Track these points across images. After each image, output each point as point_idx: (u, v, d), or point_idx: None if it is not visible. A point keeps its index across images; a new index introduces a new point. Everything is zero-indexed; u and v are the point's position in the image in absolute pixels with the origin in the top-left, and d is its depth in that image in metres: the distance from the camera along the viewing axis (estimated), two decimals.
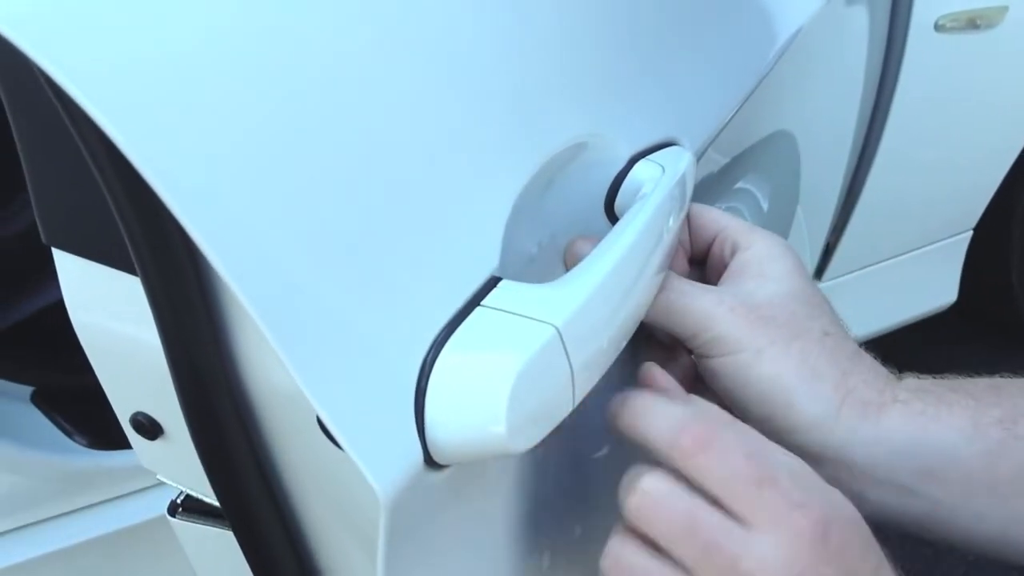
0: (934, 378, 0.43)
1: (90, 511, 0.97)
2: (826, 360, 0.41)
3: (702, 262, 0.48)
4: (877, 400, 0.41)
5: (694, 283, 0.43)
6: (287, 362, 0.28)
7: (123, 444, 0.94)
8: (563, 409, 0.35)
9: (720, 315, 0.41)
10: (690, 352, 0.46)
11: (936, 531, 0.42)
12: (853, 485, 0.41)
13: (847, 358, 0.42)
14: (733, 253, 0.45)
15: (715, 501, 0.35)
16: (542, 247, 0.40)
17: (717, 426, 0.36)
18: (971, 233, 1.52)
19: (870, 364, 0.43)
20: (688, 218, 0.47)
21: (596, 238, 0.39)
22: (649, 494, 0.35)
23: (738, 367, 0.41)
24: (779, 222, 0.90)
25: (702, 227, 0.47)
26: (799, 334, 0.42)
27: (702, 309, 0.42)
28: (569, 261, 0.42)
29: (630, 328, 0.40)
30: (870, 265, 1.42)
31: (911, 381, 0.43)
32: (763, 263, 0.43)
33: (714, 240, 0.46)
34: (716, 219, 0.46)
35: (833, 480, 0.41)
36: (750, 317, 0.41)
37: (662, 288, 0.42)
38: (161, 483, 0.46)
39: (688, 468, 0.35)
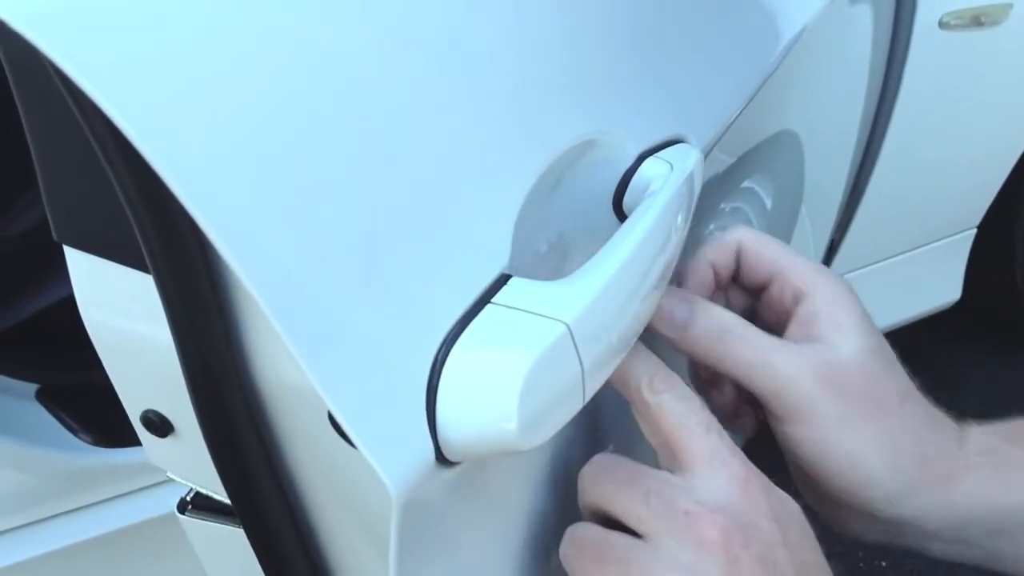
0: (997, 423, 0.44)
1: (95, 509, 0.98)
2: (905, 432, 0.41)
3: (747, 289, 0.47)
4: (951, 470, 0.42)
5: (772, 338, 0.42)
6: (299, 359, 0.28)
7: (128, 441, 0.95)
8: (574, 406, 0.35)
9: (802, 382, 0.41)
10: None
11: (996, 570, 0.43)
12: (920, 540, 0.43)
13: (923, 425, 0.42)
14: (796, 300, 0.43)
15: (657, 461, 0.39)
16: (551, 244, 0.40)
17: (681, 380, 0.40)
18: (975, 231, 1.53)
19: (942, 424, 0.43)
20: (741, 247, 0.45)
21: None
22: (600, 462, 0.39)
23: (815, 439, 0.41)
24: (783, 220, 0.90)
25: (758, 263, 0.45)
26: (879, 402, 0.41)
27: (784, 372, 0.41)
28: None
29: (640, 325, 0.40)
30: (874, 263, 1.42)
31: (979, 439, 0.43)
32: (833, 312, 0.42)
33: (771, 280, 0.45)
34: (775, 259, 0.44)
35: (898, 535, 0.43)
36: (833, 384, 0.41)
37: (739, 338, 0.41)
38: (166, 480, 0.46)
39: (654, 405, 0.39)
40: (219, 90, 0.28)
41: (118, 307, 0.37)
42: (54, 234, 0.37)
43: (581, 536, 0.38)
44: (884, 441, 0.41)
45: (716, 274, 0.46)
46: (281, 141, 0.29)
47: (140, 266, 0.34)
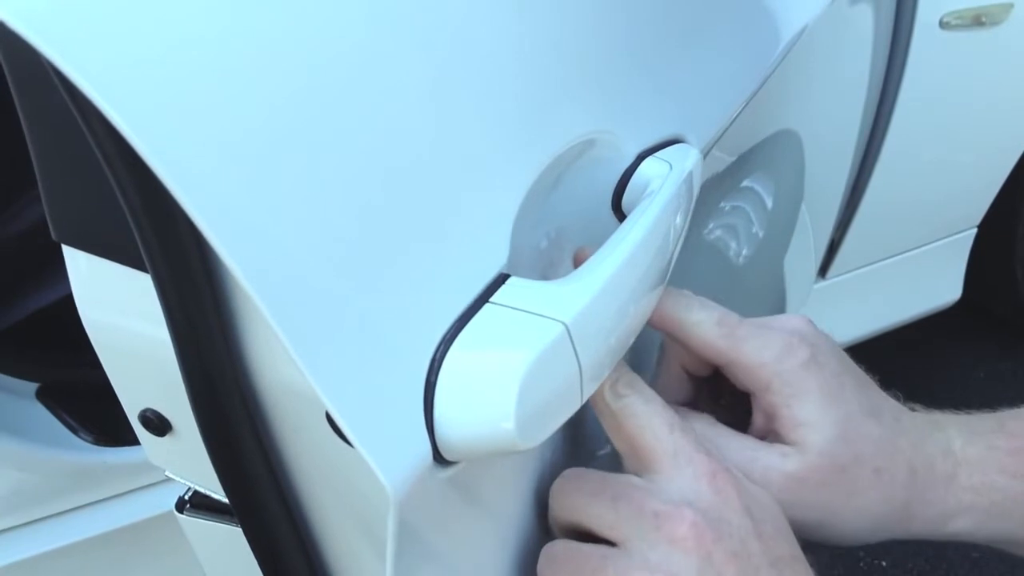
0: (992, 421, 0.43)
1: (95, 508, 0.98)
2: (885, 503, 0.41)
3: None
4: (941, 512, 0.41)
5: (742, 444, 0.41)
6: (297, 359, 0.28)
7: (128, 440, 0.95)
8: (571, 406, 0.35)
9: (771, 492, 0.40)
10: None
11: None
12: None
13: (904, 486, 0.41)
14: (751, 393, 0.42)
15: (622, 466, 0.39)
16: (550, 244, 0.40)
17: (644, 382, 0.40)
18: (975, 230, 1.53)
19: (927, 472, 0.41)
20: (692, 347, 0.43)
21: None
22: (567, 476, 0.39)
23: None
24: (783, 220, 0.90)
25: (711, 358, 0.43)
26: (852, 489, 0.40)
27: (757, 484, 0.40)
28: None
29: (638, 325, 0.40)
30: (874, 262, 1.42)
31: (972, 472, 0.41)
32: (791, 410, 0.40)
33: (725, 371, 0.43)
34: (723, 354, 0.42)
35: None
36: (802, 490, 0.40)
37: (715, 449, 0.39)
38: (166, 480, 0.46)
39: (617, 409, 0.39)
40: (218, 90, 0.28)
41: (117, 307, 0.37)
42: (53, 234, 0.37)
43: (555, 552, 0.38)
44: (862, 518, 0.41)
45: (688, 372, 0.45)
46: (278, 140, 0.29)
47: (139, 266, 0.34)
